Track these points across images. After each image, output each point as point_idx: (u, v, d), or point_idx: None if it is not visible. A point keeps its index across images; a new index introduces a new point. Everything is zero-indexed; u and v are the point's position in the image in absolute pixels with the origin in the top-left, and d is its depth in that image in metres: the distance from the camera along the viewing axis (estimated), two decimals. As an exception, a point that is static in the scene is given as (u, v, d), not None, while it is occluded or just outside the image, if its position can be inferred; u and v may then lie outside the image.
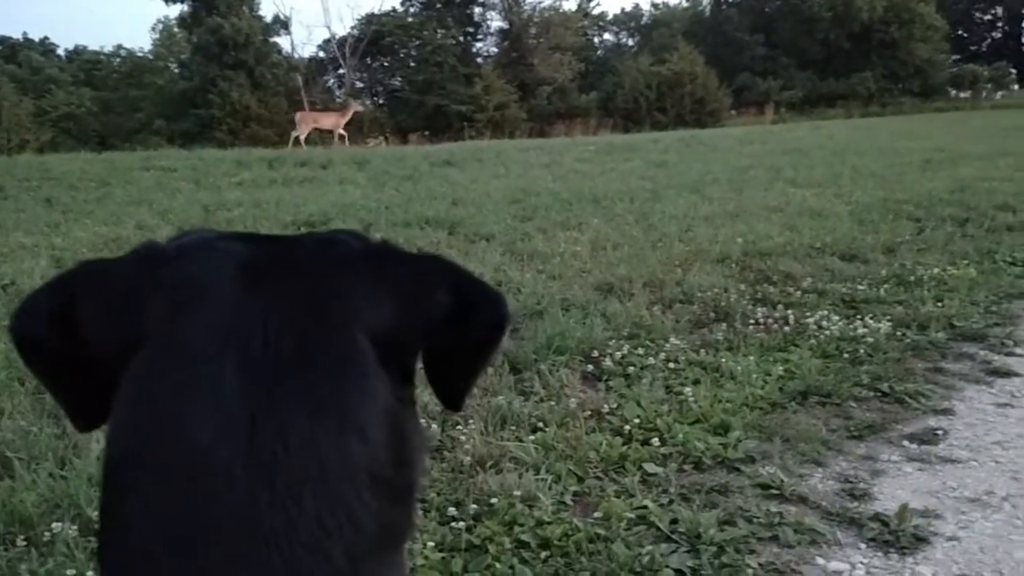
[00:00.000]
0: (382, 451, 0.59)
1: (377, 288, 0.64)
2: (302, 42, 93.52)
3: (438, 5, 40.10)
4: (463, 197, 10.09)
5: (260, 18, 34.46)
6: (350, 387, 0.59)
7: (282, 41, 39.64)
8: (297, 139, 21.93)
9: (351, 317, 0.61)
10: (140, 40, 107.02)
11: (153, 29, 40.09)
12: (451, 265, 0.70)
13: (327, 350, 0.59)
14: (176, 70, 35.92)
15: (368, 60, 40.70)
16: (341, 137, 23.11)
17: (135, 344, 0.59)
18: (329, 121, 23.88)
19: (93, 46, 45.37)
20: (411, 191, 11.04)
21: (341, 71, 40.41)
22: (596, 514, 2.63)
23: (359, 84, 40.61)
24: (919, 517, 2.64)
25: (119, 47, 37.72)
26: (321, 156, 15.74)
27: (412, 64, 39.20)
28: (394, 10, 40.70)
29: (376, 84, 41.50)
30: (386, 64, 41.45)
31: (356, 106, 25.44)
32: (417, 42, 38.89)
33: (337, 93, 39.45)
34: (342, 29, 57.60)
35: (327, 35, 59.75)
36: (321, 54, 41.14)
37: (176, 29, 35.75)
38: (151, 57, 36.97)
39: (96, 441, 2.98)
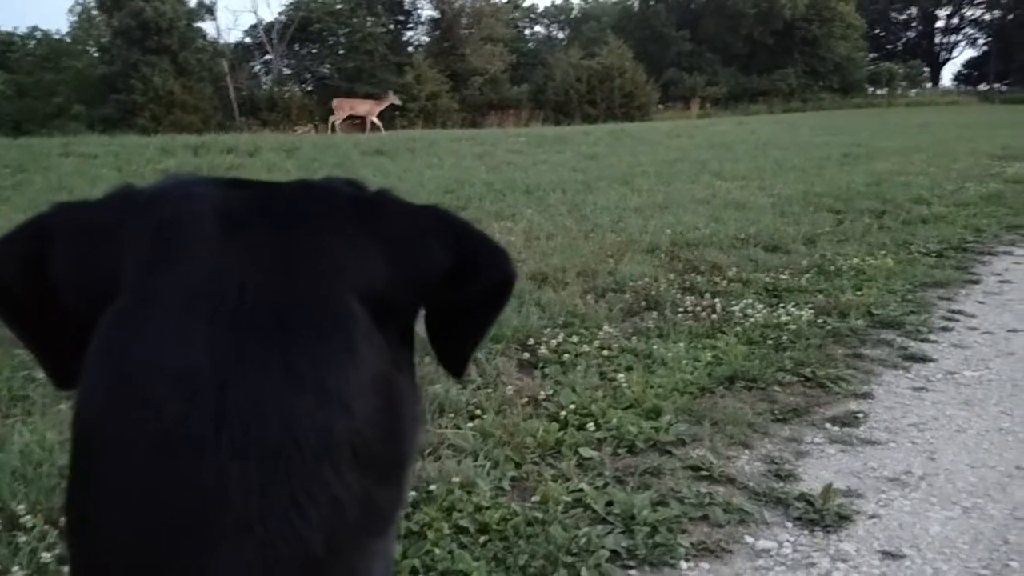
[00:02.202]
0: (368, 424, 0.53)
1: (366, 241, 0.58)
2: (228, 27, 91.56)
3: (367, -8, 39.64)
4: (396, 187, 9.57)
5: (184, 2, 33.51)
6: (331, 352, 0.53)
7: (207, 26, 38.63)
8: (334, 124, 21.96)
9: (335, 273, 0.56)
10: (56, 22, 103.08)
11: (70, 11, 38.57)
12: (452, 217, 0.64)
13: (307, 311, 0.54)
14: (96, 54, 34.61)
15: (296, 47, 39.96)
16: (374, 126, 22.90)
17: (107, 296, 0.54)
18: (364, 108, 23.89)
19: (5, 27, 43.55)
20: (342, 180, 10.91)
21: (268, 57, 39.63)
22: (534, 498, 2.67)
23: (286, 71, 39.89)
24: (842, 496, 2.76)
25: (34, 28, 36.19)
26: (248, 143, 15.44)
27: (341, 52, 38.64)
28: (322, -4, 40.07)
29: (304, 71, 40.78)
30: (314, 51, 40.77)
31: (393, 98, 24.95)
32: (346, 29, 38.35)
33: (264, 79, 38.69)
34: (269, 15, 56.55)
35: (254, 20, 58.57)
36: (247, 40, 40.27)
37: (95, 12, 34.42)
38: (69, 40, 35.53)
39: (19, 434, 2.90)
